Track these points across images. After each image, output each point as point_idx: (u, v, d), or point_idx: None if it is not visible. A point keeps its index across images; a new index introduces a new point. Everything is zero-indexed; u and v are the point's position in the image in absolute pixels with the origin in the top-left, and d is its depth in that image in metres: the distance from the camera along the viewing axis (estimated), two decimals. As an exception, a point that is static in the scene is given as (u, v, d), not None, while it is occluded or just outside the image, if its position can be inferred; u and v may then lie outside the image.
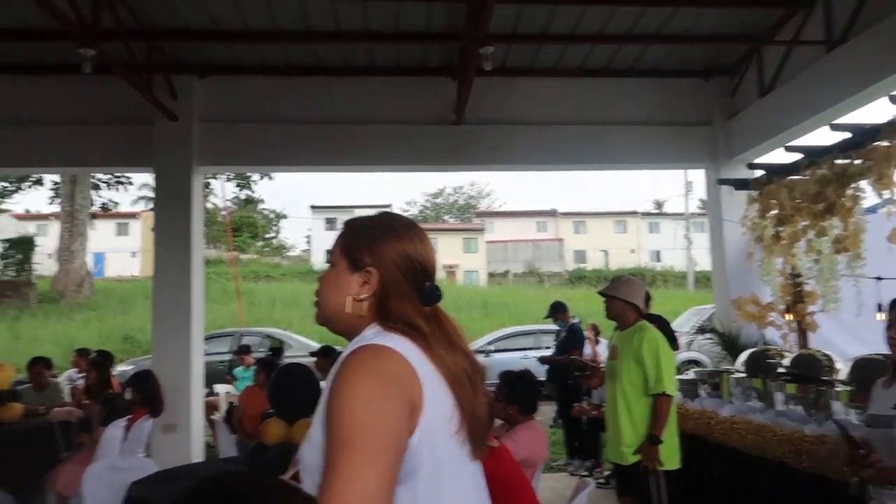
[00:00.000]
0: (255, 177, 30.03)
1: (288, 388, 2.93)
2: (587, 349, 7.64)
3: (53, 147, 6.95)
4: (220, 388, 8.20)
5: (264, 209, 41.80)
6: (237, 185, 31.04)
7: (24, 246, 25.27)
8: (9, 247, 25.27)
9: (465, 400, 1.23)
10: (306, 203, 56.08)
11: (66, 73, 6.53)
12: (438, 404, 1.19)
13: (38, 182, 23.91)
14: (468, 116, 6.80)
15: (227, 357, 10.42)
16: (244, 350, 8.85)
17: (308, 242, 43.46)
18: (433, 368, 1.21)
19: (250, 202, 36.70)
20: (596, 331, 8.29)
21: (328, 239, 40.27)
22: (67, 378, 7.92)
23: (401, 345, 1.20)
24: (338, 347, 6.71)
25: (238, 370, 8.64)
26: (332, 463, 1.09)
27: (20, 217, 32.89)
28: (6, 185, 24.19)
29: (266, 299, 22.53)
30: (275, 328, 14.50)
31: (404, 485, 1.14)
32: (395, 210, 41.42)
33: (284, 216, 45.44)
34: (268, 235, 43.51)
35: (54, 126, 6.82)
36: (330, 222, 41.06)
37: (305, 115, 7.00)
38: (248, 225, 39.17)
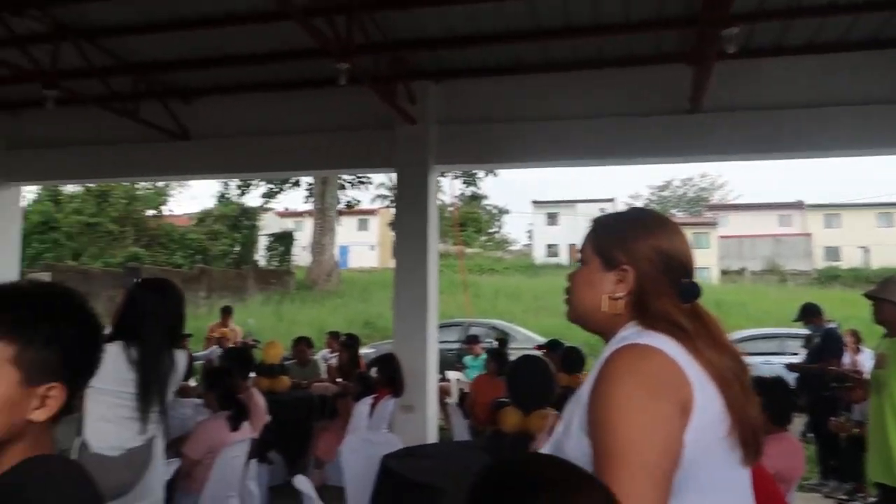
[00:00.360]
0: (480, 173, 31.12)
1: (525, 379, 3.02)
2: (846, 357, 6.79)
3: (310, 152, 7.87)
4: (452, 375, 8.64)
5: (488, 205, 43.23)
6: (463, 182, 32.45)
7: (285, 240, 29.03)
8: (273, 241, 29.16)
9: (734, 402, 1.17)
10: (528, 198, 56.87)
11: (321, 87, 7.38)
12: (709, 406, 1.14)
13: (296, 184, 27.21)
14: (705, 104, 6.40)
15: (456, 346, 10.95)
16: (473, 340, 9.24)
17: (529, 237, 44.09)
18: (700, 369, 1.16)
19: (475, 198, 38.17)
20: (857, 337, 7.34)
21: (549, 234, 40.53)
22: (322, 357, 8.91)
23: (665, 344, 1.17)
24: (565, 342, 6.74)
25: (467, 359, 9.04)
26: (606, 476, 1.06)
27: (281, 215, 37.57)
28: (272, 186, 27.83)
29: (490, 292, 23.29)
30: (499, 320, 14.93)
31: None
32: (620, 204, 40.31)
33: (507, 211, 46.61)
34: (491, 230, 44.91)
35: (311, 134, 7.71)
36: (551, 217, 41.26)
37: (532, 112, 7.10)
38: (473, 220, 40.77)
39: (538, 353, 6.24)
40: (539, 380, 2.95)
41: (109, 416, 2.39)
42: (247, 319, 14.45)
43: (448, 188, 28.38)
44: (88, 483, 1.11)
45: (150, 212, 27.77)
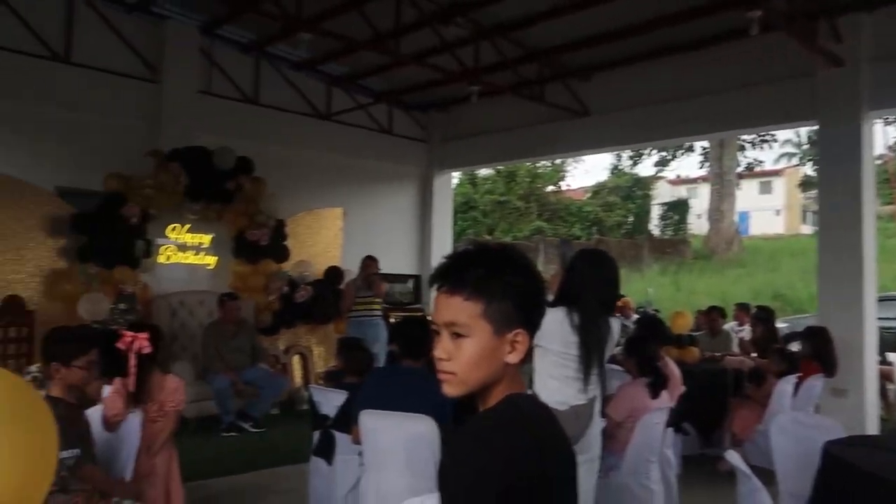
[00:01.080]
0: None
1: None
2: None
3: (716, 114, 7.45)
4: (894, 358, 7.36)
5: (933, 153, 35.16)
6: (898, 129, 27.06)
7: (679, 208, 28.34)
8: (667, 209, 28.67)
9: None
10: None
11: (724, 42, 6.91)
12: None
13: (690, 149, 26.11)
14: None
15: (897, 323, 9.24)
16: (924, 317, 7.69)
17: None
18: None
19: (915, 146, 31.46)
20: None
21: None
22: (731, 329, 8.42)
23: None
24: None
25: (917, 340, 7.58)
26: None
27: (673, 183, 36.55)
28: (664, 154, 27.26)
29: (940, 259, 19.01)
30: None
31: None
32: None
33: (964, 159, 37.27)
34: (939, 184, 36.52)
35: (716, 94, 7.30)
36: None
37: None
38: (911, 173, 33.68)
39: None
40: None
41: (555, 374, 2.65)
42: (646, 289, 14.52)
43: (879, 136, 23.98)
44: (556, 419, 1.29)
45: (550, 188, 29.78)
